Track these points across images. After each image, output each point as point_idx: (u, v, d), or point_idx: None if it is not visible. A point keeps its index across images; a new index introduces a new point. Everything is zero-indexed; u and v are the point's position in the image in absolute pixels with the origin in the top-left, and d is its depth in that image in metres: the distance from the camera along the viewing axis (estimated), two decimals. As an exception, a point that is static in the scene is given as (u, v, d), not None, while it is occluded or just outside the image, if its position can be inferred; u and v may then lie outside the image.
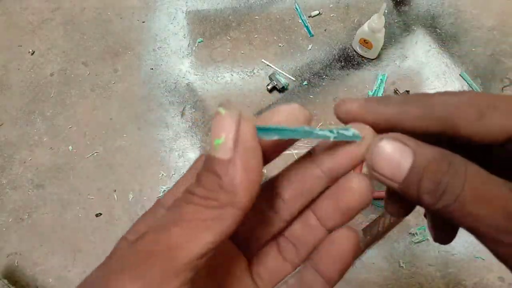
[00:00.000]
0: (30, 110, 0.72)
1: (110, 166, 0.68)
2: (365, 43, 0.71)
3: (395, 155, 0.20)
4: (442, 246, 0.62)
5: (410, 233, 0.62)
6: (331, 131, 0.21)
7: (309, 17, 0.78)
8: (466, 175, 0.19)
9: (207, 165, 0.18)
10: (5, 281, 0.58)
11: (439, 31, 0.77)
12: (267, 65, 0.74)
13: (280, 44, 0.77)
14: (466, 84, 0.73)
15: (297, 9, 0.74)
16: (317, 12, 0.77)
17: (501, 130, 0.21)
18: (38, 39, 0.78)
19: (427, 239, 0.62)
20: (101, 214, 0.64)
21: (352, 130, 0.21)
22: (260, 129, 0.19)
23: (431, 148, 0.20)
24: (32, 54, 0.77)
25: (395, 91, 0.72)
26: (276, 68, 0.74)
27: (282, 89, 0.72)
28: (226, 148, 0.18)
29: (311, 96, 0.72)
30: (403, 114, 0.21)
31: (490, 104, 0.21)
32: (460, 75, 0.73)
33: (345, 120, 0.22)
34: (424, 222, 0.63)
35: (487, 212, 0.19)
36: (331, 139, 0.21)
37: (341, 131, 0.21)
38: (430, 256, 0.61)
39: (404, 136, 0.21)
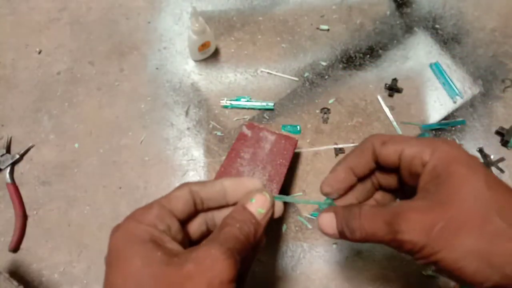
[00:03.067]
0: (37, 108, 0.73)
1: (115, 163, 0.69)
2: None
3: (327, 221, 0.35)
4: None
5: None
6: (320, 202, 0.40)
7: (317, 28, 0.79)
8: (360, 214, 0.33)
9: (249, 217, 0.34)
10: (7, 275, 0.59)
11: (440, 32, 0.78)
12: (268, 72, 0.75)
13: (283, 45, 0.78)
14: (467, 85, 0.74)
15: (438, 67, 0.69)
16: (326, 27, 0.78)
17: (394, 152, 0.34)
18: (45, 38, 0.79)
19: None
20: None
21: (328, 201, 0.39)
22: (276, 197, 0.37)
23: (343, 208, 0.35)
24: (39, 53, 0.78)
25: (387, 87, 0.73)
26: (277, 73, 0.75)
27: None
28: (263, 218, 0.34)
29: (313, 96, 0.73)
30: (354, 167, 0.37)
31: (390, 137, 0.35)
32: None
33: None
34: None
35: (377, 227, 0.32)
36: (320, 206, 0.39)
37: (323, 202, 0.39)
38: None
39: (331, 207, 0.37)
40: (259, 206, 0.34)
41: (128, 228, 0.32)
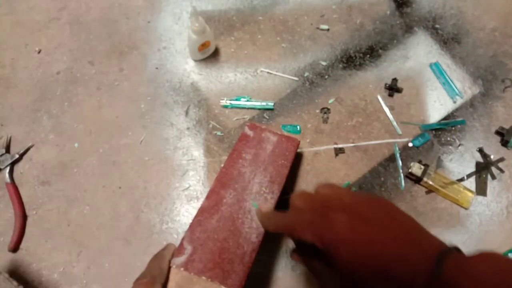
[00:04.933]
0: (36, 108, 0.73)
1: (115, 163, 0.69)
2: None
3: (295, 258, 0.50)
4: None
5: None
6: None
7: (317, 28, 0.79)
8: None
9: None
10: (6, 275, 0.59)
11: (440, 32, 0.78)
12: (268, 72, 0.75)
13: (283, 45, 0.77)
14: (467, 85, 0.74)
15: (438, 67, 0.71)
16: (326, 27, 0.78)
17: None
18: (44, 38, 0.79)
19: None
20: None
21: None
22: None
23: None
24: (39, 52, 0.78)
25: (387, 87, 0.73)
26: (277, 73, 0.75)
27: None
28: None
29: (313, 96, 0.73)
30: (276, 227, 0.49)
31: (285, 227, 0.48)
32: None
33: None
34: (425, 221, 0.63)
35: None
36: None
37: None
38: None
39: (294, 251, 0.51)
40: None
41: None
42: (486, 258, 0.35)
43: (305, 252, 0.46)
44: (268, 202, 0.54)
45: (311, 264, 0.45)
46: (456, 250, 0.37)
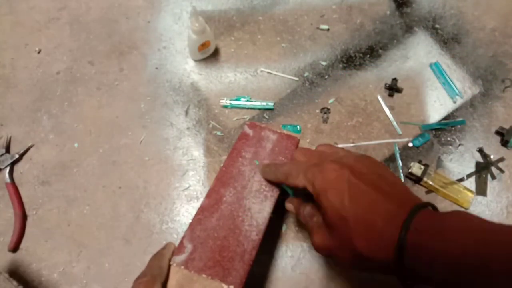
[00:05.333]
0: (36, 108, 0.73)
1: (115, 163, 0.68)
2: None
3: (288, 204, 0.56)
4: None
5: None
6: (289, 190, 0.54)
7: (317, 28, 0.79)
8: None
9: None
10: (6, 275, 0.59)
11: (440, 32, 0.78)
12: (268, 72, 0.75)
13: (283, 45, 0.77)
14: (467, 85, 0.74)
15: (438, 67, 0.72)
16: (326, 27, 0.78)
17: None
18: (44, 38, 0.79)
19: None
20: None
21: None
22: None
23: (294, 199, 0.54)
24: (39, 52, 0.78)
25: (388, 87, 0.73)
26: (277, 73, 0.75)
27: (285, 89, 0.72)
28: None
29: (313, 96, 0.73)
30: (274, 174, 0.53)
31: (286, 175, 0.51)
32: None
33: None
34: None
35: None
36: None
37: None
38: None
39: (291, 198, 0.55)
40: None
41: None
42: (459, 215, 0.37)
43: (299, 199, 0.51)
44: (268, 200, 0.54)
45: (304, 209, 0.49)
46: (432, 207, 0.40)
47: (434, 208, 0.40)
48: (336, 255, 0.43)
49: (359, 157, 0.46)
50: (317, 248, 0.46)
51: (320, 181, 0.43)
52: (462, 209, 0.39)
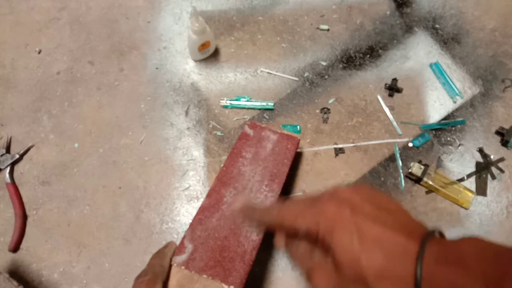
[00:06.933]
0: (36, 108, 0.73)
1: (115, 163, 0.68)
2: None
3: (278, 239, 0.47)
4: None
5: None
6: None
7: (317, 28, 0.79)
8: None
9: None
10: (7, 275, 0.59)
11: (440, 32, 0.78)
12: (268, 72, 0.75)
13: (283, 45, 0.77)
14: (467, 85, 0.74)
15: (438, 68, 0.72)
16: (326, 27, 0.78)
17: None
18: (45, 38, 0.79)
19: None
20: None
21: None
22: None
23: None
24: (39, 53, 0.78)
25: (387, 87, 0.73)
26: (276, 73, 0.75)
27: (285, 89, 0.72)
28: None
29: (313, 96, 0.73)
30: (261, 220, 0.46)
31: (283, 218, 0.45)
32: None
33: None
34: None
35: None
36: None
37: None
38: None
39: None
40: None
41: None
42: (472, 241, 0.35)
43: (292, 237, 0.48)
44: (268, 200, 0.54)
45: (297, 247, 0.46)
46: (440, 234, 0.39)
47: (441, 233, 0.39)
48: None
49: (354, 188, 0.44)
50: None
51: (323, 223, 0.41)
52: (468, 234, 0.38)
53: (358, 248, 0.38)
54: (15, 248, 0.63)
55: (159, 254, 0.48)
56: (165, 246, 0.50)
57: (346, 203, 0.42)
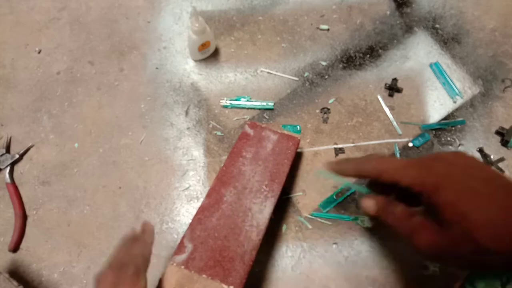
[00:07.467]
0: (36, 108, 0.73)
1: (115, 163, 0.69)
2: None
3: (369, 204, 0.48)
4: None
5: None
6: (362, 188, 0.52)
7: (317, 28, 0.79)
8: (394, 212, 0.46)
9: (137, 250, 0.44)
10: (7, 275, 0.59)
11: (440, 32, 0.78)
12: (268, 72, 0.75)
13: (283, 45, 0.77)
14: (467, 85, 0.74)
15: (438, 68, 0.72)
16: (326, 27, 0.78)
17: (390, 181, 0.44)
18: (44, 38, 0.79)
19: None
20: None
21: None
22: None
23: (383, 199, 0.48)
24: (39, 53, 0.78)
25: (387, 87, 0.73)
26: (277, 73, 0.75)
27: (285, 89, 0.72)
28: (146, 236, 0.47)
29: (313, 96, 0.73)
30: (357, 170, 0.48)
31: (385, 169, 0.45)
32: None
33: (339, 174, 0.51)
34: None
35: (402, 228, 0.44)
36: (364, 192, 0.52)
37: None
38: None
39: (372, 196, 0.49)
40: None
41: None
42: None
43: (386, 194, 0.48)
44: (268, 200, 0.54)
45: (395, 208, 0.46)
46: None
47: None
48: (449, 253, 0.41)
49: (457, 153, 0.45)
50: (426, 248, 0.42)
51: (431, 179, 0.41)
52: None
53: (469, 205, 0.39)
54: (15, 248, 0.63)
55: (139, 243, 0.45)
56: (143, 231, 0.46)
57: (454, 164, 0.42)
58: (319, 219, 0.64)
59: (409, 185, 0.43)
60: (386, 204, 0.47)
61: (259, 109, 0.72)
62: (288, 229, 0.63)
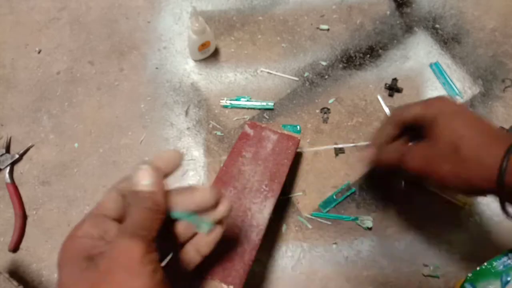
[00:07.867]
0: (36, 108, 0.73)
1: (115, 163, 0.69)
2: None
3: (366, 151, 0.56)
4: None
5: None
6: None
7: (317, 28, 0.79)
8: (387, 150, 0.54)
9: (139, 196, 0.34)
10: (7, 275, 0.59)
11: (440, 32, 0.78)
12: (268, 72, 0.75)
13: (283, 45, 0.77)
14: (467, 85, 0.74)
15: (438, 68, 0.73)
16: (326, 27, 0.78)
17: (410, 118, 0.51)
18: (44, 38, 0.79)
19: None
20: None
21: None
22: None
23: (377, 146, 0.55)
24: (39, 53, 0.78)
25: (388, 87, 0.73)
26: (277, 73, 0.75)
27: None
28: (154, 186, 0.35)
29: (313, 96, 0.73)
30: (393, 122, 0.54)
31: (403, 110, 0.52)
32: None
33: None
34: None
35: (391, 158, 0.53)
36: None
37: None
38: (428, 255, 0.62)
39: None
40: (142, 180, 0.35)
41: (64, 246, 0.34)
42: None
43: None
44: (268, 200, 0.54)
45: (390, 146, 0.53)
46: None
47: None
48: (435, 166, 0.47)
49: (449, 97, 0.53)
50: (416, 161, 0.49)
51: (431, 110, 0.49)
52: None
53: (461, 127, 0.46)
54: (15, 248, 0.63)
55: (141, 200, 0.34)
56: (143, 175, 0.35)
57: (452, 102, 0.50)
58: (319, 219, 0.64)
59: (414, 118, 0.50)
60: (382, 148, 0.54)
61: (259, 109, 0.72)
62: (288, 229, 0.63)
